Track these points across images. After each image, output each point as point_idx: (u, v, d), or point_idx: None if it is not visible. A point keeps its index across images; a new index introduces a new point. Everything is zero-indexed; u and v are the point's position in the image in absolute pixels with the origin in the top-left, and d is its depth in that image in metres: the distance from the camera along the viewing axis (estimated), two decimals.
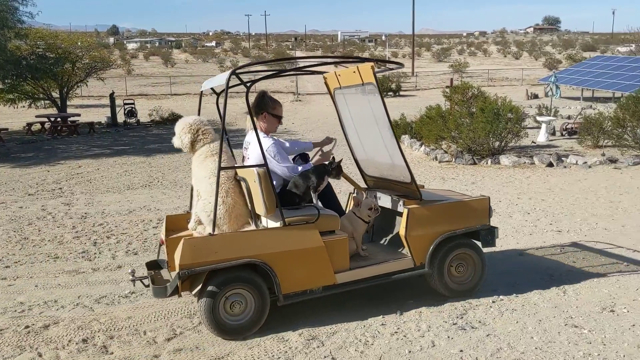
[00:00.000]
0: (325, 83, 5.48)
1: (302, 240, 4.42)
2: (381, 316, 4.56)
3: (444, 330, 4.24)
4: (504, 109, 12.20)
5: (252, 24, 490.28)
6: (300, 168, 4.73)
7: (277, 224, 4.43)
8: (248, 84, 4.78)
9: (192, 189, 4.75)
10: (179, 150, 4.68)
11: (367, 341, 4.13)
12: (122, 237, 7.19)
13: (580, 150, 13.23)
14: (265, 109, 4.84)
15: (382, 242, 5.36)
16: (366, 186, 5.61)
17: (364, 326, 4.38)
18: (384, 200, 5.22)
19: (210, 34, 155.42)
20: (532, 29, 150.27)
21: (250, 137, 4.82)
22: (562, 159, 11.75)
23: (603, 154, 11.93)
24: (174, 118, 21.63)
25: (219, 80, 4.62)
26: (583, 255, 6.09)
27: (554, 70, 35.51)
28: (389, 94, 34.35)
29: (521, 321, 4.35)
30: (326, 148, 5.21)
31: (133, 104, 21.75)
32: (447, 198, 5.18)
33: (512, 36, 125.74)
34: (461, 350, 3.91)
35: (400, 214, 4.92)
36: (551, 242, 6.58)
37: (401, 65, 5.13)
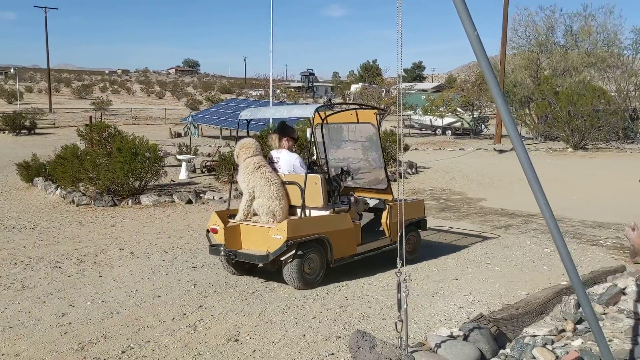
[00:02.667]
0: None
1: (344, 223, 6.56)
2: None
3: None
4: (142, 148, 12.19)
5: None
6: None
7: (322, 213, 6.45)
8: (323, 118, 7.11)
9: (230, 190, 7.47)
10: None
11: None
12: None
13: (217, 186, 14.10)
14: (288, 133, 6.84)
15: None
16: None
17: None
18: (370, 201, 7.48)
19: None
20: (174, 70, 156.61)
21: (278, 154, 6.79)
22: (201, 195, 12.32)
23: (236, 189, 12.92)
24: None
25: (298, 113, 7.15)
26: (214, 289, 6.36)
27: (191, 111, 37.44)
28: (22, 131, 31.20)
29: None
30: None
31: None
32: (405, 199, 7.49)
33: (155, 76, 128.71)
34: None
35: (371, 210, 7.39)
36: (186, 279, 6.71)
37: (385, 110, 8.00)
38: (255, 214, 6.49)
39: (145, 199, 11.84)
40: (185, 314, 5.50)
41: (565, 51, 33.87)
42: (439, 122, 36.05)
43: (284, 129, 6.90)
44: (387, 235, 7.20)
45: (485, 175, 17.15)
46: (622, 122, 27.80)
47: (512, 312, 4.65)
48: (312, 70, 18.03)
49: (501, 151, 24.39)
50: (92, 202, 11.67)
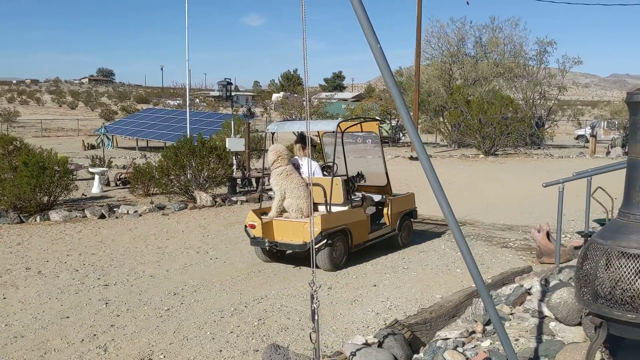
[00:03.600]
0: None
1: (359, 216, 7.97)
2: None
3: None
4: (50, 162, 11.62)
5: None
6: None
7: (342, 208, 7.76)
8: (340, 132, 8.37)
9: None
10: None
11: None
12: None
13: (132, 199, 13.64)
14: (309, 143, 7.93)
15: None
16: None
17: None
18: (375, 197, 8.87)
19: None
20: (87, 79, 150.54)
21: (300, 161, 8.11)
22: (114, 209, 11.87)
23: (152, 202, 12.57)
24: None
25: (323, 127, 9.06)
26: (127, 307, 6.13)
27: (104, 122, 36.20)
28: None
29: None
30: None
31: None
32: (400, 194, 9.42)
33: (67, 86, 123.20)
34: None
35: (375, 204, 8.75)
36: (97, 298, 6.43)
37: (379, 120, 9.77)
38: (285, 211, 7.77)
39: (54, 215, 11.27)
40: (95, 335, 5.26)
41: (475, 62, 35.41)
42: None
43: (304, 139, 8.28)
44: (389, 224, 8.69)
45: (403, 182, 17.55)
46: (528, 129, 29.38)
47: (426, 317, 4.76)
48: (230, 79, 17.89)
49: (418, 159, 25.09)
50: None
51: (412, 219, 9.32)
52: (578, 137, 38.37)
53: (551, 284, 5.24)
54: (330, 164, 8.67)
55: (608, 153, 27.35)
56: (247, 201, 13.38)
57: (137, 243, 9.32)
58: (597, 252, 3.13)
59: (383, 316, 5.72)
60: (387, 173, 9.01)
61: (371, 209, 8.62)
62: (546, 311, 4.43)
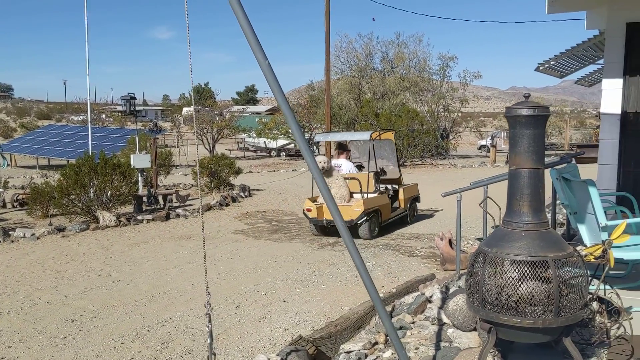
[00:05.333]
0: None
1: (384, 200, 11.08)
2: None
3: None
4: None
5: None
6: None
7: (373, 195, 10.76)
8: (372, 140, 11.30)
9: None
10: None
11: None
12: None
13: (30, 221, 12.86)
14: (344, 149, 11.71)
15: None
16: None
17: None
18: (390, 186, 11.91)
19: None
20: None
21: (339, 162, 11.42)
22: (10, 233, 11.13)
23: (51, 224, 11.91)
24: None
25: (359, 137, 12.63)
26: (20, 337, 5.74)
27: (1, 140, 34.06)
28: None
29: None
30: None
31: None
32: (408, 184, 12.68)
33: None
34: None
35: (389, 192, 11.71)
36: None
37: (394, 130, 15.68)
38: None
39: None
40: None
41: (383, 76, 36.41)
42: (272, 144, 36.66)
43: (342, 146, 11.79)
44: (401, 206, 11.87)
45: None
46: (434, 140, 30.52)
47: (331, 330, 4.78)
48: (133, 93, 17.38)
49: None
50: None
51: (417, 202, 12.68)
52: (480, 147, 40.18)
53: (451, 290, 5.42)
54: (360, 164, 11.88)
55: (507, 162, 28.87)
56: (153, 220, 12.96)
57: (34, 268, 8.78)
58: (484, 259, 3.26)
59: (291, 332, 5.68)
60: (400, 169, 12.77)
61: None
62: (445, 318, 4.57)
